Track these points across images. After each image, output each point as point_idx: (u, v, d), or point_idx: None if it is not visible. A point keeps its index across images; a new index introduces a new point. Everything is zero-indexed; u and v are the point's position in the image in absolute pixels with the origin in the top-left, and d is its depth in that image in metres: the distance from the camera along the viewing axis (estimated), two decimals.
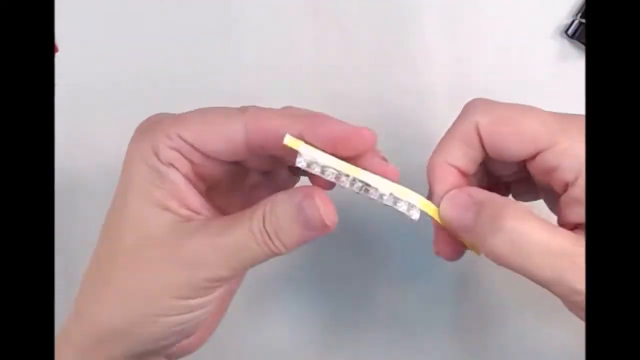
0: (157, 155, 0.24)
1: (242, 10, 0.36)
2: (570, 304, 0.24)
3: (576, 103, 0.34)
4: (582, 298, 0.22)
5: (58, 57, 0.35)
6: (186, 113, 0.25)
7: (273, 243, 0.24)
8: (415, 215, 0.24)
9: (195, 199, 0.25)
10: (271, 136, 0.24)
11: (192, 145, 0.24)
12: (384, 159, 0.25)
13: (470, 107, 0.26)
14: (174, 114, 0.25)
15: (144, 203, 0.25)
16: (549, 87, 0.36)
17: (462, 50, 0.36)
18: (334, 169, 0.23)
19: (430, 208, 0.25)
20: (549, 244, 0.23)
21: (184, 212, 0.25)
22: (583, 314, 0.23)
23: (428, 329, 0.37)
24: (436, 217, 0.25)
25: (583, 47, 0.36)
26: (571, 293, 0.23)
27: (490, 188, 0.26)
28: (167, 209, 0.25)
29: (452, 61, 0.36)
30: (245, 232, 0.24)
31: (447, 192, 0.25)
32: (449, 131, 0.26)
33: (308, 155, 0.23)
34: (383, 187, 0.24)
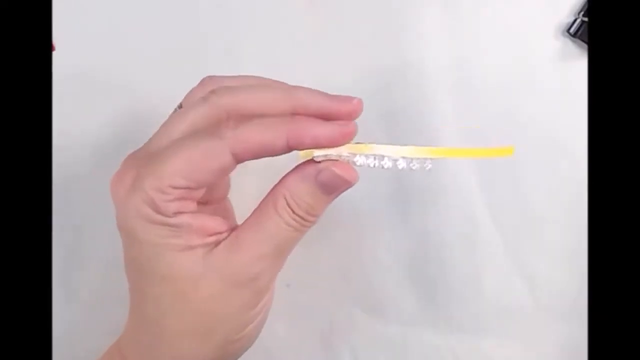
0: (159, 212, 0.23)
1: (240, 3, 0.36)
2: None
3: (578, 102, 0.34)
4: None
5: (55, 56, 0.35)
6: (165, 157, 0.24)
7: (308, 221, 0.26)
8: (429, 165, 0.27)
9: (211, 222, 0.25)
10: (257, 151, 0.24)
11: (187, 188, 0.24)
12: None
13: None
14: (152, 158, 0.24)
15: (170, 255, 0.24)
16: (551, 87, 0.36)
17: (462, 49, 0.36)
18: (349, 152, 0.26)
19: (441, 152, 0.26)
20: None
21: (209, 239, 0.25)
22: None
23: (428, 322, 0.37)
24: (446, 155, 0.27)
25: (585, 46, 0.35)
26: None
27: None
28: (192, 247, 0.24)
29: (453, 60, 0.36)
30: (280, 227, 0.25)
31: None
32: None
33: (323, 155, 0.25)
34: (394, 153, 0.26)
